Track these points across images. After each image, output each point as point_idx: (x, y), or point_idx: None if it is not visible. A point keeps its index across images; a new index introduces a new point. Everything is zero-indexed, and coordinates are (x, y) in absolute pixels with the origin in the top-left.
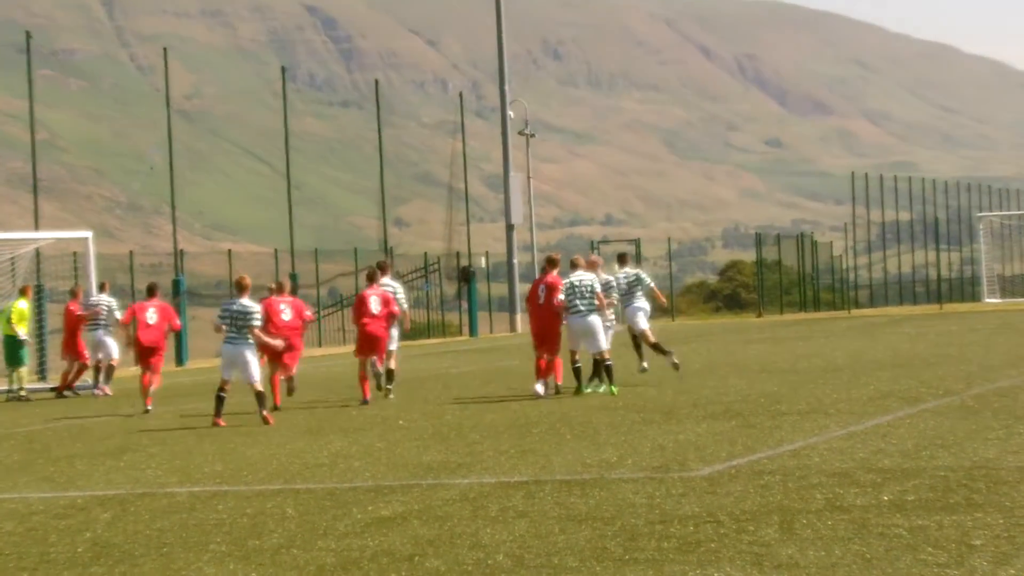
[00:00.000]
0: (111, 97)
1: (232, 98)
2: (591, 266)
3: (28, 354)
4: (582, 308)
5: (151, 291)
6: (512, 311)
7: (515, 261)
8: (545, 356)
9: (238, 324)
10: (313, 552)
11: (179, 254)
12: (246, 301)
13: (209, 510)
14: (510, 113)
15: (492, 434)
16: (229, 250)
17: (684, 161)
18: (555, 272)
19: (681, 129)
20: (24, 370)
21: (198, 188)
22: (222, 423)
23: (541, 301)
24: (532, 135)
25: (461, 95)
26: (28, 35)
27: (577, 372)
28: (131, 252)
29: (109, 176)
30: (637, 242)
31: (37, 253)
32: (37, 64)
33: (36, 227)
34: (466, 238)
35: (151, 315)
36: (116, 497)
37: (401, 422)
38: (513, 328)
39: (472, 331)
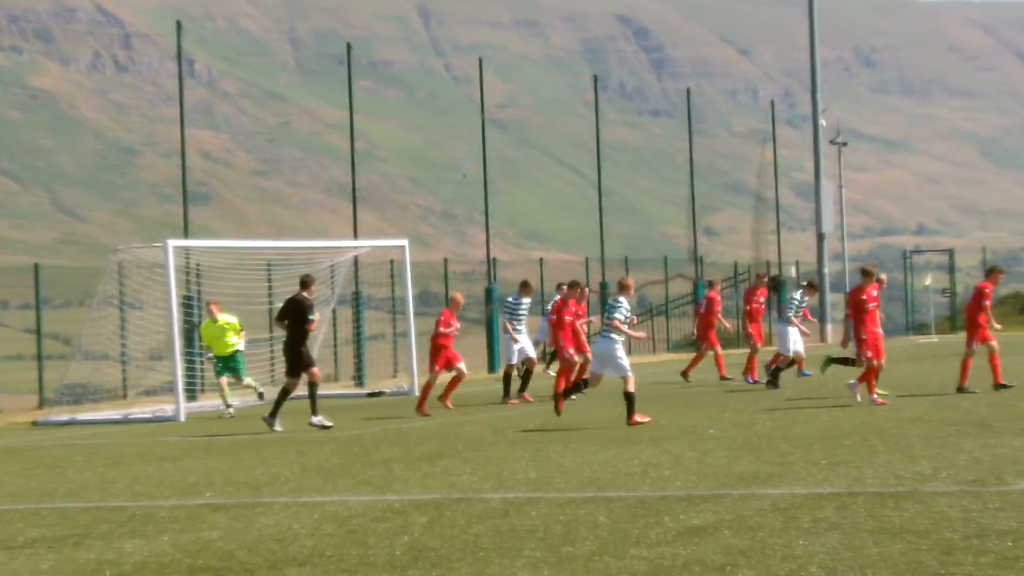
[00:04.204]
0: (427, 107)
1: (545, 107)
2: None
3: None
4: None
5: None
6: (822, 320)
7: (826, 271)
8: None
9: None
10: (626, 560)
11: (492, 262)
12: (622, 298)
13: (523, 516)
14: (822, 121)
15: (803, 444)
16: (540, 258)
17: (1001, 170)
18: (874, 282)
19: (999, 137)
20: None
21: (510, 197)
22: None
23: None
24: (844, 144)
25: (773, 103)
26: (349, 47)
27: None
28: (445, 260)
29: (424, 185)
30: (951, 252)
31: (356, 261)
32: (357, 75)
33: (355, 235)
34: (776, 247)
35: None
36: (432, 502)
37: (711, 431)
38: (823, 338)
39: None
